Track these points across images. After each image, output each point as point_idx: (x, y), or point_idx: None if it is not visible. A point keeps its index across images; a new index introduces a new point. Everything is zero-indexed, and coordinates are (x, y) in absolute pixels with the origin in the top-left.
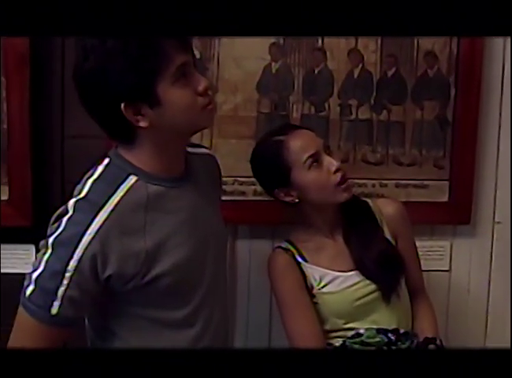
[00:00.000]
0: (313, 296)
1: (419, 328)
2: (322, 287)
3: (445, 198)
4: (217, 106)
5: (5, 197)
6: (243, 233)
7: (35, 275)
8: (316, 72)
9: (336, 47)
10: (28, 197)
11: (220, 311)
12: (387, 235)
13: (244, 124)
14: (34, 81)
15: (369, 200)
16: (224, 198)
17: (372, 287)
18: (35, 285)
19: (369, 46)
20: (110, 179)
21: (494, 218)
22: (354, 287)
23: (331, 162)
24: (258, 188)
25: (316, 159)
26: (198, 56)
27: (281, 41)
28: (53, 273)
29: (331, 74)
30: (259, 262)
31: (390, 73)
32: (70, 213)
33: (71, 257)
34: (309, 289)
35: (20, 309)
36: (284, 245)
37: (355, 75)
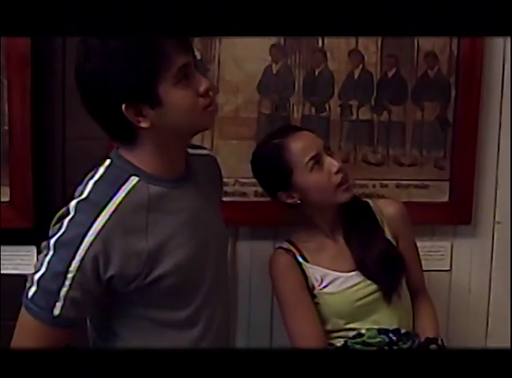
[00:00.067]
0: (314, 296)
1: (420, 328)
2: (323, 288)
3: (445, 199)
4: (218, 107)
5: (6, 198)
6: (244, 234)
7: (37, 276)
8: (316, 72)
9: (337, 48)
10: (30, 198)
11: (222, 311)
12: (388, 236)
13: (245, 125)
14: (35, 82)
15: (369, 200)
16: (225, 198)
17: (373, 287)
18: (38, 286)
19: (370, 47)
20: (112, 180)
21: (494, 218)
22: (355, 288)
23: (332, 163)
24: (259, 189)
25: (317, 161)
26: (198, 57)
27: (282, 42)
28: (56, 274)
29: (331, 75)
30: (260, 263)
31: (390, 74)
32: (72, 214)
33: (73, 258)
34: (310, 289)
35: (23, 310)
36: (285, 245)
37: (356, 76)
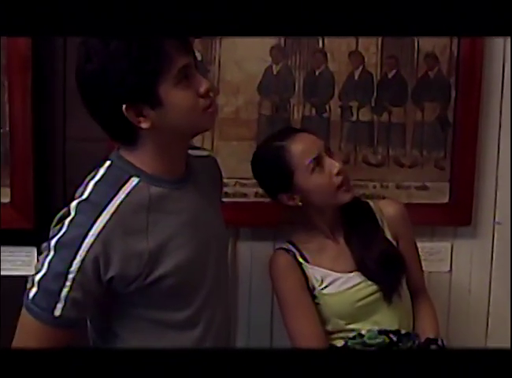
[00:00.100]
0: (314, 297)
1: (420, 329)
2: (324, 288)
3: (446, 200)
4: (219, 108)
5: (7, 199)
6: (245, 235)
7: (37, 277)
8: (317, 73)
9: (337, 49)
10: (30, 199)
11: (223, 312)
12: (388, 236)
13: (245, 126)
14: (36, 83)
15: (370, 201)
16: (225, 199)
17: (374, 287)
18: (38, 287)
19: (370, 48)
20: (112, 180)
21: (494, 219)
22: (356, 288)
23: (332, 164)
24: (260, 190)
25: (318, 162)
26: (199, 58)
27: (282, 43)
28: (56, 275)
29: (332, 76)
30: (261, 264)
31: (390, 75)
32: (72, 214)
33: (73, 259)
34: (310, 290)
35: (24, 311)
36: (286, 246)
37: (356, 77)
